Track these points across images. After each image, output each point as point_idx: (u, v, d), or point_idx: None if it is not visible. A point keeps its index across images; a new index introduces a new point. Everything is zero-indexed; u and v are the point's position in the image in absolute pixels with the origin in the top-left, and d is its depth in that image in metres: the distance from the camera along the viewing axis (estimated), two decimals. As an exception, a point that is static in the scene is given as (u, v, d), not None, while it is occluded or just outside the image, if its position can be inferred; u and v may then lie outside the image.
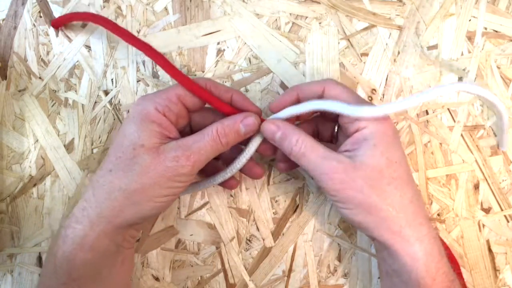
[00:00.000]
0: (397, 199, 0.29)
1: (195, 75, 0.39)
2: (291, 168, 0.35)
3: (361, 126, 0.30)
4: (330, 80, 0.32)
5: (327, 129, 0.35)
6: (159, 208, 0.31)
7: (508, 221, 0.38)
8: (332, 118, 0.34)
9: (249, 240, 0.39)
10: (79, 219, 0.30)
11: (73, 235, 0.30)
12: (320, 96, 0.32)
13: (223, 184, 0.36)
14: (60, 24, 0.39)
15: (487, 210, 0.38)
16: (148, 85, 0.40)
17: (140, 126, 0.30)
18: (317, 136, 0.36)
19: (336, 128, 0.35)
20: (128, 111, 0.39)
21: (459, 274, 0.36)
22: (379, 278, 0.38)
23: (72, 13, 0.39)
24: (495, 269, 0.38)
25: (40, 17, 0.40)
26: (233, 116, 0.31)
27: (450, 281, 0.30)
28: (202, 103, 0.33)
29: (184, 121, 0.33)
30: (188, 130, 0.35)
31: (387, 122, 0.30)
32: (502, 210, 0.38)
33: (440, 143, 0.38)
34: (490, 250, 0.38)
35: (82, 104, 0.40)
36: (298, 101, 0.32)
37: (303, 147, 0.30)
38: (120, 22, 0.40)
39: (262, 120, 0.32)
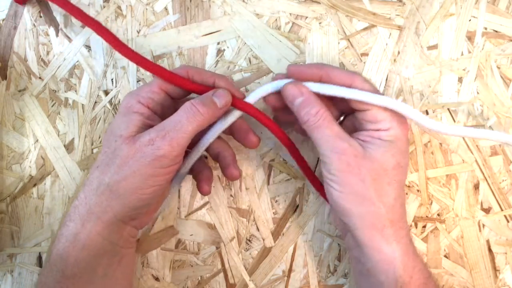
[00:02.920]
0: (391, 200, 0.30)
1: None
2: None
3: (383, 128, 0.30)
4: (358, 74, 0.31)
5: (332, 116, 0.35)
6: (146, 200, 0.30)
7: (508, 221, 0.38)
8: (341, 107, 0.33)
9: (249, 240, 0.39)
10: (71, 217, 0.30)
11: (67, 233, 0.30)
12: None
13: (225, 174, 0.35)
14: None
15: (487, 210, 0.38)
16: (148, 85, 0.39)
17: (122, 118, 0.30)
18: None
19: (342, 117, 0.35)
20: None
21: None
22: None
23: None
24: (495, 269, 0.38)
25: (40, 17, 0.40)
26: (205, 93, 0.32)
27: (426, 278, 0.30)
28: (185, 91, 0.33)
29: (170, 110, 0.33)
30: None
31: (406, 129, 0.31)
32: (502, 210, 0.38)
33: (440, 143, 0.38)
34: (490, 250, 0.38)
35: (82, 104, 0.40)
36: (319, 81, 0.32)
37: (321, 120, 0.30)
38: (120, 22, 0.40)
39: (240, 103, 0.32)
